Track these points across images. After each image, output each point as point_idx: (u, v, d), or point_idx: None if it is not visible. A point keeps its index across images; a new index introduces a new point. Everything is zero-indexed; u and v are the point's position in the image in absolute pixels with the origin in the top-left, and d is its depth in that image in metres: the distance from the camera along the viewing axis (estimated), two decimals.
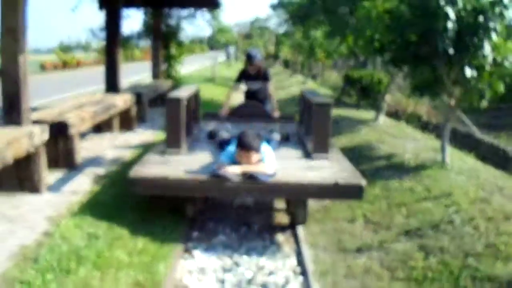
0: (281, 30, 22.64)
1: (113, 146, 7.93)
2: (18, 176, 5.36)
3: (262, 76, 7.62)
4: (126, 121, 9.12)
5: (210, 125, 7.05)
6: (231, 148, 4.85)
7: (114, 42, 9.45)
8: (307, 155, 5.53)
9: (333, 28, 10.72)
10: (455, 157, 7.29)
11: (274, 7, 20.91)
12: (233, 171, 4.51)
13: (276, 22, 44.94)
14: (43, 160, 5.42)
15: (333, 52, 16.95)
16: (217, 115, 7.73)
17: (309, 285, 3.89)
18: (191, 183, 4.50)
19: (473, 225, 4.46)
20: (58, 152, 6.26)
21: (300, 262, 4.38)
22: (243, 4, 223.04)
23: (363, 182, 4.52)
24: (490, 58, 6.01)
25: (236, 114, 7.63)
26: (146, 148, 7.27)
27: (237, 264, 4.32)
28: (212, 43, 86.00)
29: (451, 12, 5.53)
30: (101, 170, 6.41)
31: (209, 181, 4.49)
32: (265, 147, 4.85)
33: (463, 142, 12.33)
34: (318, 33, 16.55)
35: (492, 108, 16.33)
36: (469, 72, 5.99)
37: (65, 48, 49.91)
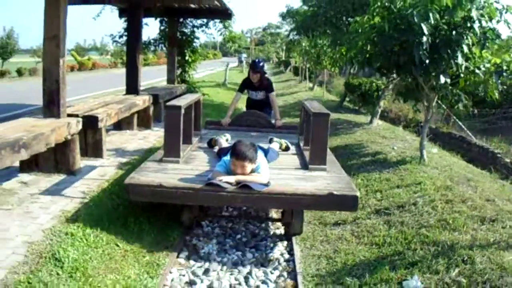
0: (290, 37, 23.42)
1: (133, 141, 8.95)
2: (55, 160, 6.38)
3: (265, 87, 7.85)
4: (144, 120, 10.14)
5: (211, 134, 7.04)
6: (226, 157, 4.91)
7: (135, 48, 10.51)
8: (305, 166, 5.51)
9: (334, 39, 11.66)
10: (439, 155, 8.23)
11: (283, 16, 21.86)
12: (227, 180, 4.56)
13: (287, 29, 46.00)
14: (77, 147, 6.45)
15: (339, 60, 17.87)
16: (219, 123, 7.82)
17: (292, 247, 5.04)
18: (186, 191, 4.52)
19: (432, 206, 5.42)
20: (87, 143, 7.26)
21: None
22: (257, 10, 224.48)
23: (358, 193, 4.63)
24: (463, 67, 6.92)
25: (238, 123, 7.74)
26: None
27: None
28: (225, 50, 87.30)
29: (425, 28, 6.44)
30: (124, 159, 7.42)
31: (204, 189, 4.52)
32: (260, 157, 4.89)
33: (457, 145, 13.31)
34: (324, 42, 17.42)
35: (484, 114, 17.29)
36: (443, 79, 6.88)
37: (81, 50, 51.40)
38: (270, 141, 6.48)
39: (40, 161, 6.32)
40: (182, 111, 5.43)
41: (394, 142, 9.23)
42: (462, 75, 7.12)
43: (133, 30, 10.60)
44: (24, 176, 6.18)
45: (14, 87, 21.16)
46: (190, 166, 5.35)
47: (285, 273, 4.58)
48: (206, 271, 4.50)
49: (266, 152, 5.45)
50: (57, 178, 6.21)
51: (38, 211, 5.04)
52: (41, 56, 29.11)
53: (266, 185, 4.58)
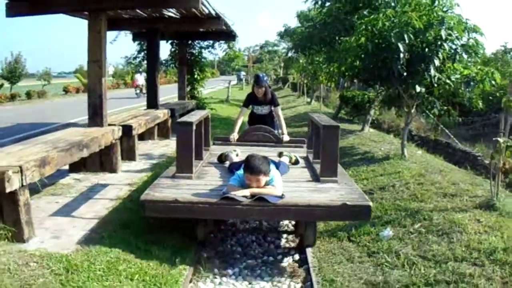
0: (289, 55, 24.79)
1: (157, 148, 10.39)
2: (100, 161, 7.80)
3: (270, 101, 7.94)
4: (164, 131, 11.59)
5: (220, 149, 7.07)
6: (240, 172, 4.92)
7: (153, 68, 12.02)
8: (316, 178, 5.56)
9: (328, 56, 13.04)
10: (421, 155, 9.61)
11: (281, 35, 23.22)
12: (242, 193, 4.60)
13: (285, 47, 47.49)
14: (118, 150, 7.87)
15: (334, 74, 19.30)
16: (227, 139, 7.83)
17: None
18: (202, 206, 4.54)
19: (406, 187, 6.82)
20: (123, 148, 8.63)
21: None
22: (254, 29, 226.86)
23: (370, 203, 4.72)
24: (435, 78, 8.30)
25: (246, 138, 7.78)
26: None
27: None
28: (223, 68, 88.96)
29: (401, 46, 7.82)
30: (154, 161, 8.87)
31: (219, 203, 4.54)
32: (273, 170, 4.93)
33: (443, 150, 14.63)
34: (319, 59, 18.78)
35: (469, 122, 18.68)
36: (418, 88, 8.24)
37: (84, 72, 52.86)
38: (280, 155, 6.57)
39: (87, 163, 7.72)
40: (194, 127, 5.51)
41: (382, 144, 10.62)
42: (436, 84, 8.48)
43: (151, 53, 12.13)
44: (75, 175, 7.62)
45: (28, 109, 22.52)
46: (203, 182, 5.38)
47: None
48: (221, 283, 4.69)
49: (277, 165, 5.43)
50: (103, 175, 7.64)
51: (97, 197, 6.47)
52: (47, 79, 30.49)
53: (281, 197, 4.62)
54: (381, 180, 7.42)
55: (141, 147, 10.29)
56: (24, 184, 4.71)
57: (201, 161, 6.28)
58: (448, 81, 8.30)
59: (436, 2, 8.44)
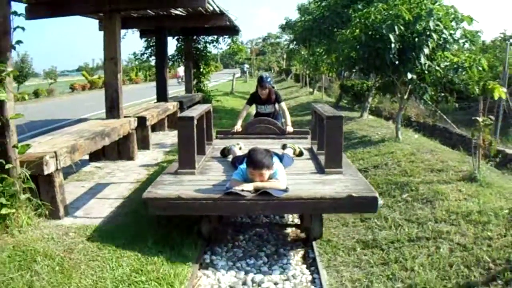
0: (290, 47, 25.38)
1: (168, 138, 11.09)
2: (118, 150, 8.50)
3: (274, 100, 7.96)
4: (173, 122, 12.26)
5: (223, 143, 6.99)
6: (243, 166, 4.86)
7: (162, 63, 12.74)
8: (321, 170, 5.50)
9: (328, 47, 13.73)
10: (416, 139, 10.26)
11: (283, 28, 23.83)
12: (246, 188, 4.53)
13: (287, 39, 48.09)
14: (134, 139, 8.58)
15: (334, 64, 20.01)
16: (230, 132, 7.82)
17: None
18: (205, 202, 4.47)
19: (398, 164, 7.49)
20: (137, 138, 9.32)
21: None
22: (256, 22, 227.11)
23: (377, 194, 4.60)
24: (426, 66, 8.93)
25: (249, 130, 7.74)
26: None
27: None
28: (226, 62, 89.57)
29: (392, 37, 8.45)
30: (166, 149, 9.58)
31: (223, 199, 4.47)
32: (276, 163, 4.87)
33: (441, 134, 15.25)
34: (320, 50, 19.45)
35: (465, 107, 19.28)
36: (410, 76, 8.89)
37: (90, 70, 53.70)
38: (284, 147, 6.51)
39: (106, 152, 8.43)
40: (195, 122, 5.44)
41: (379, 129, 11.28)
42: (426, 71, 9.11)
43: (160, 49, 12.84)
44: (96, 164, 8.33)
45: (38, 107, 23.11)
46: (206, 177, 5.31)
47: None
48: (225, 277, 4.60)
49: (281, 158, 5.41)
50: (121, 163, 8.36)
51: (118, 181, 7.19)
52: (53, 78, 31.07)
53: (285, 190, 4.55)
54: (375, 160, 8.10)
55: (153, 137, 10.97)
56: (59, 167, 5.43)
57: (204, 156, 6.23)
58: (438, 68, 8.93)
59: None
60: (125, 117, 8.83)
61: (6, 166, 4.78)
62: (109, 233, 4.95)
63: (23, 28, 5.01)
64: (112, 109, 8.61)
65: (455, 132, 15.29)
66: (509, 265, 3.92)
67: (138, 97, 23.04)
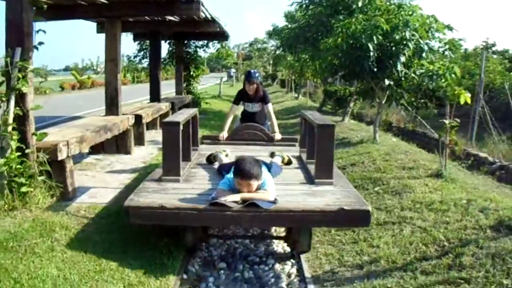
0: (277, 52, 26.12)
1: (160, 135, 11.68)
2: (116, 145, 9.16)
3: (261, 98, 7.64)
4: None
5: (210, 149, 6.74)
6: (230, 175, 4.64)
7: (156, 66, 13.46)
8: (310, 180, 5.28)
9: (312, 54, 14.47)
10: (394, 142, 11.03)
11: (269, 34, 24.48)
12: (232, 199, 4.32)
13: (274, 44, 48.77)
14: (132, 135, 9.25)
15: (318, 71, 20.81)
16: (216, 138, 7.53)
17: None
18: (189, 212, 4.28)
19: (373, 163, 8.25)
20: (134, 134, 9.93)
21: None
22: (243, 26, 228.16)
23: (369, 207, 4.46)
24: (402, 73, 9.66)
25: (236, 137, 7.51)
26: None
27: None
28: (212, 66, 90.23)
29: (370, 46, 9.16)
30: (159, 146, 10.14)
31: (208, 209, 4.27)
32: (265, 173, 4.62)
33: (420, 139, 16.00)
34: (305, 56, 20.17)
35: (441, 114, 20.04)
36: (387, 82, 9.65)
37: (79, 70, 54.00)
38: (272, 155, 6.32)
39: (105, 146, 9.07)
40: (181, 127, 5.22)
41: (359, 132, 12.05)
42: (403, 78, 9.85)
43: (154, 52, 13.55)
44: (95, 156, 8.96)
45: None
46: (191, 185, 5.09)
47: None
48: None
49: (269, 167, 5.16)
50: (119, 156, 9.02)
51: (118, 171, 7.86)
52: (43, 76, 31.62)
53: (274, 202, 4.34)
54: (353, 159, 8.86)
55: (147, 134, 11.62)
56: (69, 155, 6.12)
57: (189, 162, 6.00)
58: (413, 75, 9.66)
59: (402, 8, 9.86)
60: (123, 114, 9.48)
61: (26, 151, 5.46)
62: (115, 212, 5.62)
63: (44, 31, 5.70)
64: (112, 106, 9.26)
65: (433, 137, 16.07)
66: (460, 243, 4.66)
67: (126, 98, 23.63)
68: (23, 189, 5.33)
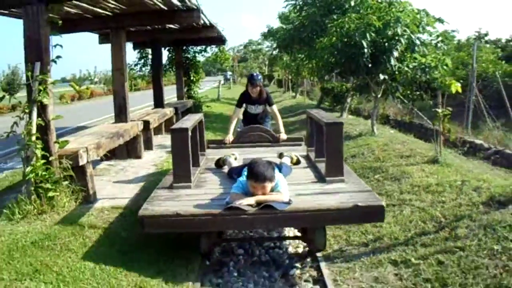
0: (273, 53, 26.60)
1: (167, 140, 12.14)
2: (127, 150, 9.59)
3: (264, 100, 7.81)
4: (170, 126, 13.35)
5: (216, 153, 6.80)
6: (243, 178, 4.67)
7: (158, 73, 13.93)
8: (321, 178, 5.31)
9: (308, 54, 14.87)
10: (390, 133, 11.48)
11: (265, 36, 24.79)
12: (247, 202, 4.33)
13: (269, 46, 49.23)
14: (141, 140, 9.69)
15: (315, 70, 21.25)
16: (221, 142, 7.63)
17: None
18: (205, 218, 4.29)
19: (373, 153, 8.70)
20: (143, 139, 10.41)
21: None
22: (238, 29, 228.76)
23: (383, 202, 4.51)
24: (396, 67, 10.11)
25: (241, 140, 7.56)
26: None
27: None
28: (208, 69, 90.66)
29: (364, 43, 9.61)
30: (167, 149, 10.65)
31: (223, 214, 4.28)
32: (277, 174, 4.63)
33: (417, 130, 16.46)
34: (301, 55, 20.56)
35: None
36: (382, 76, 10.10)
37: (77, 80, 54.38)
38: (280, 155, 6.36)
39: (116, 152, 9.50)
40: (189, 133, 5.23)
41: (358, 126, 12.49)
42: (397, 72, 10.29)
43: (156, 60, 13.99)
44: (108, 162, 9.38)
45: None
46: (203, 190, 5.11)
47: None
48: None
49: (279, 168, 5.19)
50: (131, 161, 9.45)
51: (132, 175, 8.29)
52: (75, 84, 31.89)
53: (288, 203, 4.37)
54: (353, 150, 9.31)
55: (154, 139, 12.08)
56: (89, 160, 6.54)
57: (198, 167, 6.00)
58: (407, 68, 10.10)
59: (393, 5, 10.32)
60: (131, 121, 9.91)
61: (50, 158, 5.90)
62: (136, 211, 6.01)
63: (61, 46, 6.15)
64: (121, 114, 9.69)
65: (430, 127, 16.52)
66: (455, 218, 5.11)
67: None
68: (50, 193, 5.76)
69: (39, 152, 5.76)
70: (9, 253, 4.48)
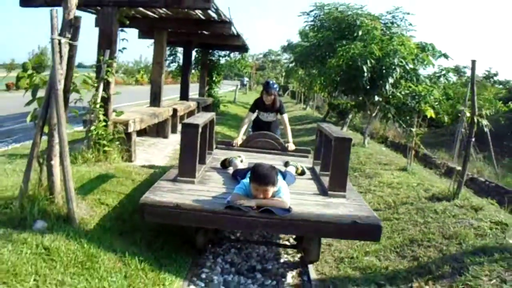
0: (290, 65, 28.42)
1: None
2: (157, 130, 11.52)
3: (277, 109, 7.89)
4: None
5: (223, 154, 6.88)
6: (246, 180, 4.69)
7: (187, 71, 16.01)
8: (324, 191, 5.30)
9: (320, 71, 16.63)
10: (380, 147, 13.29)
11: (284, 49, 26.51)
12: (248, 203, 4.37)
13: (287, 57, 50.86)
14: (170, 123, 11.65)
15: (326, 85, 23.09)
16: (230, 143, 7.72)
17: None
18: (204, 214, 4.33)
19: (357, 159, 10.56)
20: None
21: None
22: (258, 38, 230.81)
23: (381, 222, 4.50)
24: (390, 92, 11.89)
25: (250, 144, 7.63)
26: None
27: None
28: (226, 73, 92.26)
29: (365, 68, 11.33)
30: None
31: (223, 212, 4.33)
32: (280, 181, 4.67)
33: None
34: (314, 72, 22.20)
35: (434, 132, 22.34)
36: (377, 98, 11.91)
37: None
38: (286, 164, 6.43)
39: (148, 131, 11.43)
40: (200, 130, 5.26)
41: (353, 139, 14.27)
42: (390, 96, 12.05)
43: (187, 59, 16.07)
44: (140, 138, 11.26)
45: (19, 99, 25.70)
46: (206, 187, 5.14)
47: None
48: None
49: (284, 175, 5.25)
50: (159, 139, 11.40)
51: (162, 148, 10.24)
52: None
53: (288, 210, 4.38)
54: None
55: (178, 126, 14.01)
56: (135, 129, 8.48)
57: (204, 165, 6.06)
58: (399, 94, 11.87)
59: (393, 39, 12.17)
60: (163, 107, 11.85)
61: (108, 123, 7.84)
62: (166, 170, 7.93)
63: (127, 40, 8.12)
64: (155, 100, 11.64)
65: (423, 152, 18.36)
66: (401, 203, 6.98)
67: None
68: (106, 148, 7.69)
69: (101, 116, 7.68)
70: (80, 181, 6.39)
